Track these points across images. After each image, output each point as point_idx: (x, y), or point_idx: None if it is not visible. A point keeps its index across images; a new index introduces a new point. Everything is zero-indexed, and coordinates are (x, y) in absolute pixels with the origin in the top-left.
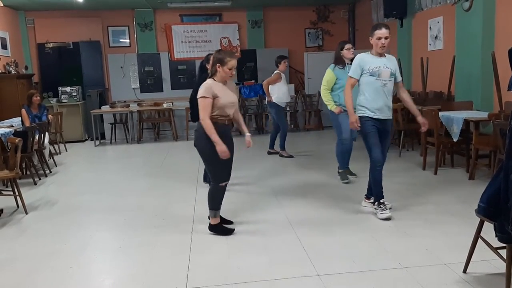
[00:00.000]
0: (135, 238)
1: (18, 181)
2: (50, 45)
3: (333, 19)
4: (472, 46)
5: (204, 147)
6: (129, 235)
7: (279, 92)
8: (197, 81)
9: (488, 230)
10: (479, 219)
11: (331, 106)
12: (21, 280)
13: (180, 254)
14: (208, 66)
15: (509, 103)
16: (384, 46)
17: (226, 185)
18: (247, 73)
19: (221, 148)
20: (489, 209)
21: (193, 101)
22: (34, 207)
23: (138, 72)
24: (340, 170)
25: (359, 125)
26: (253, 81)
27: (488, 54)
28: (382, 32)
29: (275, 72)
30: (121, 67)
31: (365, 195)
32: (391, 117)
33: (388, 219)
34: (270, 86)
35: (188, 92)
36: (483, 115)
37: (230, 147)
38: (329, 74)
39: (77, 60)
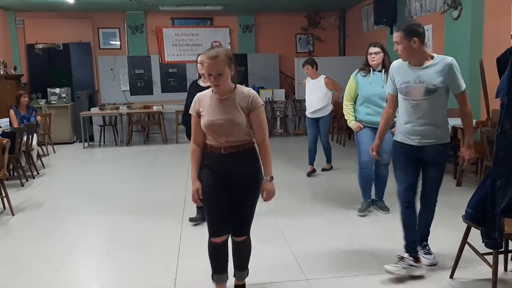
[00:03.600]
0: (123, 241)
1: (5, 182)
2: (40, 46)
3: (324, 26)
4: (461, 54)
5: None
6: (117, 237)
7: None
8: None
9: (475, 236)
10: (466, 225)
11: (350, 122)
12: (7, 282)
13: (168, 258)
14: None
15: (496, 111)
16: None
17: (220, 243)
18: (238, 78)
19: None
20: (476, 215)
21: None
22: (21, 209)
23: (128, 75)
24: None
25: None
26: (243, 85)
27: (476, 62)
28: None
29: (324, 76)
30: (111, 69)
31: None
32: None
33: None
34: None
35: (178, 95)
36: None
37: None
38: (350, 81)
39: (67, 61)
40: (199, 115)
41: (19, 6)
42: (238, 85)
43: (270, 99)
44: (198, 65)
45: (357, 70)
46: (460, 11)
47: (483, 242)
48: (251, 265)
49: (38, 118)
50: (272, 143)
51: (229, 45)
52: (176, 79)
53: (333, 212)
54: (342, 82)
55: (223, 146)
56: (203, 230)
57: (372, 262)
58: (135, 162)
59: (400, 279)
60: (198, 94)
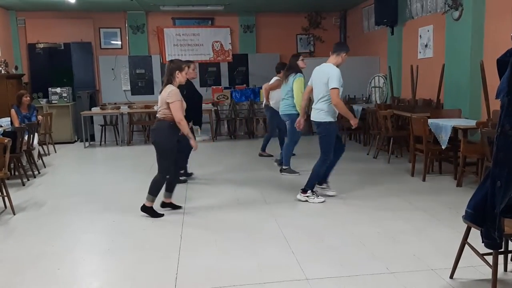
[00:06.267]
0: (124, 241)
1: (6, 181)
2: (41, 46)
3: (324, 26)
4: (461, 55)
5: (167, 143)
6: (118, 237)
7: (277, 98)
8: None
9: (475, 236)
10: (466, 225)
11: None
12: (7, 281)
13: (169, 257)
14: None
15: (497, 112)
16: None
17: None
18: (239, 78)
19: (195, 142)
20: (476, 216)
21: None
22: (22, 208)
23: (129, 74)
24: (285, 167)
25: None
26: (244, 85)
27: (476, 63)
28: None
29: (276, 78)
30: (112, 69)
31: (303, 189)
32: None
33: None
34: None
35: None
36: (471, 123)
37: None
38: (303, 82)
39: (68, 61)
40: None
41: (21, 6)
42: None
43: None
44: (190, 70)
45: (300, 73)
46: (461, 11)
47: (483, 242)
48: (251, 264)
49: (39, 117)
50: (273, 143)
51: (230, 45)
52: None
53: (333, 211)
54: (343, 82)
55: None
56: (204, 229)
57: (372, 262)
58: (135, 162)
59: (400, 280)
60: (176, 88)
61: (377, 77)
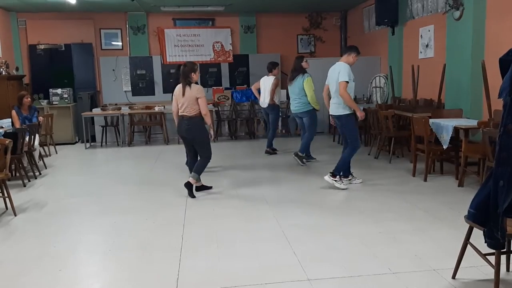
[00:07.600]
0: (125, 242)
1: (7, 182)
2: (42, 47)
3: (325, 26)
4: (462, 55)
5: (205, 134)
6: (119, 238)
7: (279, 96)
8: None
9: (477, 236)
10: (468, 225)
11: (318, 106)
12: (9, 282)
13: (170, 258)
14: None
15: (498, 111)
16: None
17: None
18: (239, 78)
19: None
20: (478, 215)
21: None
22: (23, 209)
23: (130, 75)
24: (302, 154)
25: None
26: (245, 86)
27: (478, 63)
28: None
29: (272, 77)
30: (113, 70)
31: (332, 172)
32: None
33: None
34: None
35: None
36: (473, 123)
37: None
38: (312, 81)
39: (69, 62)
40: None
41: (21, 7)
42: None
43: None
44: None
45: (307, 74)
46: (462, 11)
47: (485, 242)
48: (252, 264)
49: (40, 118)
50: (273, 144)
51: (231, 45)
52: (178, 79)
53: (335, 212)
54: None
55: None
56: (205, 230)
57: (374, 262)
58: (136, 163)
59: (402, 280)
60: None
61: (378, 77)
